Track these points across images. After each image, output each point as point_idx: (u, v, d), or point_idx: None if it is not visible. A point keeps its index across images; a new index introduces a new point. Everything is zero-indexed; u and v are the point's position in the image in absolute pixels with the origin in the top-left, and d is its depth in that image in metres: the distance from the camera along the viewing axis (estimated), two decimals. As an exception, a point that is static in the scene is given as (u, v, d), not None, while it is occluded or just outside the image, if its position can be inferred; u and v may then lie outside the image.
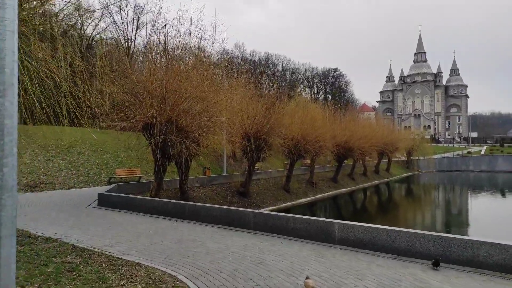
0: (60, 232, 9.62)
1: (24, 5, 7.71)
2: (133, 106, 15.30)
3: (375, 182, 43.37)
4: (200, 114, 16.42)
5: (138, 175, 24.00)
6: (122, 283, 5.72)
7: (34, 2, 8.38)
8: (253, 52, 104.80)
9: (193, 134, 15.94)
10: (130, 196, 13.38)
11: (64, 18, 10.61)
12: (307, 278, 5.49)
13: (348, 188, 36.11)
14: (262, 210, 23.98)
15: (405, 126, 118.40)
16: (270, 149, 24.35)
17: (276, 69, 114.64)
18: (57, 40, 8.14)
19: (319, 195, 30.75)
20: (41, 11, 8.75)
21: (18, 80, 6.26)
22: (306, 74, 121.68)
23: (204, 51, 19.30)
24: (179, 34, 16.17)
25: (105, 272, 6.20)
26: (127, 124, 15.10)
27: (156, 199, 12.67)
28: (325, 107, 37.20)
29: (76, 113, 8.85)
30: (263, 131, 23.33)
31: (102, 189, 18.94)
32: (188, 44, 17.30)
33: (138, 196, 13.45)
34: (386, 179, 47.37)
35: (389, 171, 51.62)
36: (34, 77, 7.25)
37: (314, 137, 28.04)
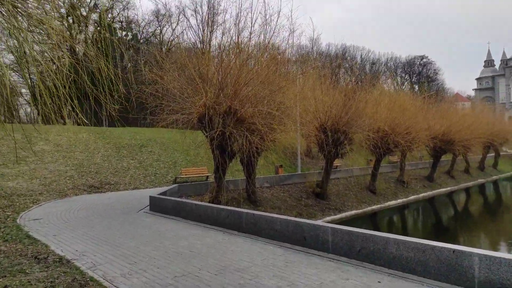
0: (86, 248, 7.68)
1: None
2: (186, 95, 13.19)
3: (480, 180, 36.36)
4: (264, 101, 13.71)
5: (205, 175, 22.28)
6: None
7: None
8: (328, 46, 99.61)
9: (256, 126, 13.32)
10: (181, 200, 11.22)
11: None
12: None
13: (447, 188, 30.39)
14: (343, 215, 20.53)
15: (510, 116, 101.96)
16: (351, 143, 20.69)
17: (354, 61, 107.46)
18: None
19: (412, 197, 25.98)
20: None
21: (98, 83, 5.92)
22: (388, 64, 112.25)
23: (278, 48, 16.38)
24: (252, 32, 13.57)
25: None
26: (180, 117, 13.05)
27: (210, 205, 10.24)
28: (414, 95, 32.01)
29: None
30: (342, 122, 19.82)
31: (163, 190, 17.34)
32: (262, 41, 14.54)
33: (189, 201, 11.22)
34: (493, 177, 39.71)
35: (496, 167, 43.43)
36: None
37: (404, 128, 23.56)
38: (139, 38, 55.91)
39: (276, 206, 18.37)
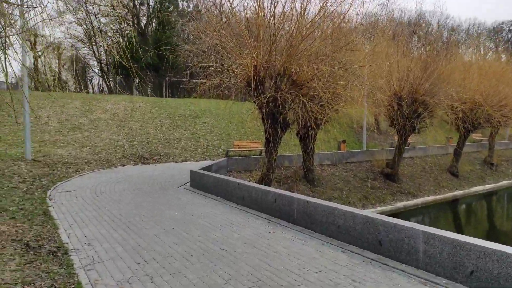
0: (97, 234, 6.23)
1: None
2: (232, 53, 11.16)
3: None
4: (326, 59, 11.20)
5: (259, 148, 20.43)
6: None
7: None
8: (401, 11, 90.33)
9: (315, 91, 10.96)
10: (222, 177, 9.43)
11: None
12: None
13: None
14: (418, 201, 17.47)
15: None
16: (431, 115, 17.35)
17: (430, 28, 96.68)
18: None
19: (504, 182, 21.83)
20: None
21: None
22: (470, 31, 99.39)
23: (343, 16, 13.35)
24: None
25: None
26: (224, 80, 11.11)
27: (254, 185, 8.29)
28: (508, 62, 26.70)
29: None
30: (421, 90, 16.54)
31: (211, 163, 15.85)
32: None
33: (231, 179, 9.36)
34: None
35: None
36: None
37: (498, 100, 19.39)
38: (199, 8, 54.78)
39: (337, 187, 16.03)
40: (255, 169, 14.41)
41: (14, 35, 4.55)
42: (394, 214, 15.84)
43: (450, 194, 18.38)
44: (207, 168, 11.77)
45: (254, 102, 10.74)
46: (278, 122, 11.16)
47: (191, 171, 11.06)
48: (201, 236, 6.17)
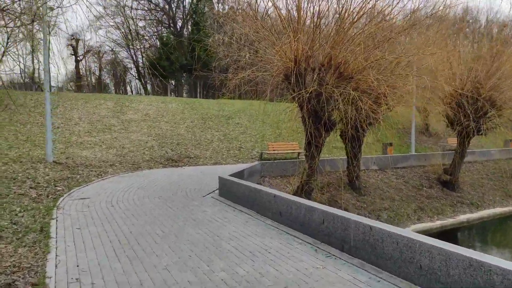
0: (94, 262, 4.85)
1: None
2: (269, 41, 9.56)
3: None
4: (382, 45, 9.34)
5: (296, 151, 18.70)
6: None
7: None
8: (446, 7, 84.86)
9: (367, 85, 9.15)
10: (255, 187, 7.82)
11: None
12: None
13: None
14: (483, 213, 14.93)
15: None
16: (500, 114, 14.84)
17: (478, 25, 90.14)
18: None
19: None
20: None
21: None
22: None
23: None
24: None
25: None
26: (259, 74, 9.55)
27: (294, 199, 6.59)
28: None
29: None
30: (487, 85, 14.12)
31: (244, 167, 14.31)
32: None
33: (267, 189, 7.70)
34: None
35: None
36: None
37: None
38: (235, 9, 53.89)
39: (388, 196, 13.96)
40: (294, 175, 12.70)
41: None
42: (457, 229, 13.55)
43: (521, 207, 15.70)
44: (239, 174, 10.23)
45: (294, 98, 9.06)
46: (322, 122, 9.41)
47: (220, 178, 9.56)
48: (225, 271, 4.60)
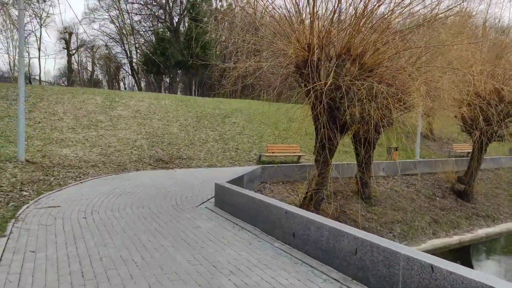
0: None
1: None
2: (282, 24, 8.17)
3: None
4: (408, 35, 8.01)
5: (297, 154, 17.33)
6: None
7: None
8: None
9: (389, 80, 7.85)
10: (261, 199, 6.38)
11: None
12: None
13: None
14: (502, 228, 13.61)
15: None
16: (522, 119, 13.65)
17: (500, 24, 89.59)
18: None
19: None
20: None
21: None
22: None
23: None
24: None
25: None
26: (265, 64, 8.15)
27: (315, 219, 5.17)
28: None
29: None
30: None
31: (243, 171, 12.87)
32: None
33: (275, 202, 6.25)
34: None
35: None
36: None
37: None
38: (233, 7, 52.41)
39: (399, 206, 12.65)
40: (297, 181, 11.32)
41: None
42: (476, 245, 12.29)
43: (540, 220, 14.50)
44: (238, 180, 8.80)
45: (308, 92, 7.65)
46: (338, 121, 8.04)
47: (216, 185, 8.12)
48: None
